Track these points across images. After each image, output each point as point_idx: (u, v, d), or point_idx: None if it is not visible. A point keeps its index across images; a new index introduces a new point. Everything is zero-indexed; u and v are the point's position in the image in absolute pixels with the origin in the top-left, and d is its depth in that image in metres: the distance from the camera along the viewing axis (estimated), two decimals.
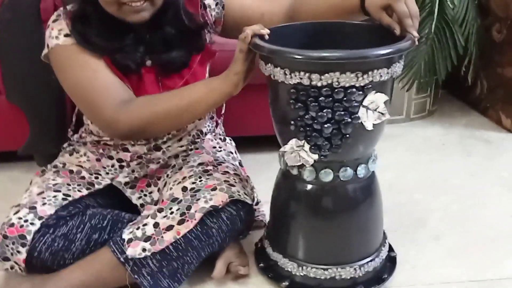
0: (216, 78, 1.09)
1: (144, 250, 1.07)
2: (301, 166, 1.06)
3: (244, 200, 1.15)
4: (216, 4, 1.27)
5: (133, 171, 1.27)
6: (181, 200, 1.13)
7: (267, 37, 1.02)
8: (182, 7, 1.19)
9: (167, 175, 1.27)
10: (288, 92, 0.98)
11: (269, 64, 0.99)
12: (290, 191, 1.14)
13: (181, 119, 1.12)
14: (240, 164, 1.38)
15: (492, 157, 1.81)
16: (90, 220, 1.14)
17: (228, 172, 1.22)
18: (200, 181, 1.17)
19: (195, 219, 1.09)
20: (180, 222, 1.09)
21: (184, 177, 1.20)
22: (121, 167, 1.27)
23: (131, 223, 1.14)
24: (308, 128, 1.00)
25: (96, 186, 1.23)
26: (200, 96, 1.08)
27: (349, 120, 0.97)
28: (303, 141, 1.02)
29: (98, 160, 1.28)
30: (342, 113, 0.97)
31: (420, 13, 1.88)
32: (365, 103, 0.96)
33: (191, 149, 1.32)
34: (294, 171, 1.08)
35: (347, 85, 0.93)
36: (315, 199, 1.11)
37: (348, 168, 1.06)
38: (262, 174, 1.41)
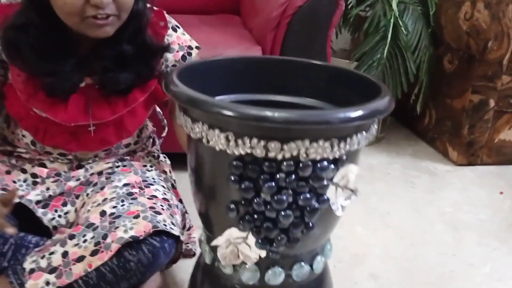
0: None
1: (47, 283, 0.94)
2: (239, 264, 0.76)
3: (169, 231, 1.03)
4: (173, 66, 1.12)
5: (47, 188, 1.12)
6: (97, 227, 1.00)
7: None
8: (144, 26, 1.04)
9: (87, 194, 1.13)
10: (230, 165, 0.68)
11: (199, 123, 0.68)
12: None
13: None
14: (173, 185, 1.27)
15: (436, 191, 1.77)
16: None
17: (155, 197, 1.10)
18: (122, 205, 1.05)
19: (110, 251, 0.96)
20: (94, 253, 0.96)
21: (105, 199, 1.07)
22: (35, 183, 1.12)
23: (36, 249, 1.00)
24: (256, 216, 0.71)
25: None
26: None
27: (316, 205, 0.70)
28: (247, 232, 0.72)
29: (8, 172, 1.12)
30: (308, 195, 0.69)
31: (373, 37, 1.88)
32: (335, 179, 0.70)
33: (117, 166, 1.19)
34: (228, 270, 0.78)
35: (318, 157, 0.66)
36: None
37: (303, 263, 0.78)
38: None
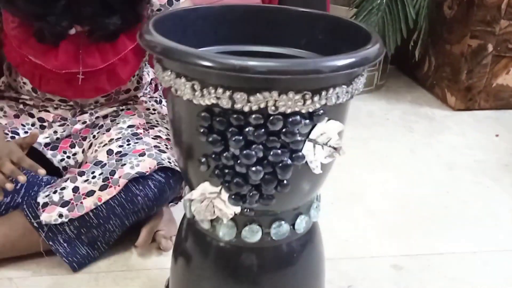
0: None
1: (60, 215, 1.00)
2: (216, 219, 0.72)
3: (174, 168, 1.08)
4: (158, 10, 1.14)
5: (55, 132, 1.17)
6: (105, 164, 1.05)
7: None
8: None
9: (93, 136, 1.18)
10: (198, 117, 0.64)
11: (168, 71, 0.64)
12: (198, 247, 0.79)
13: None
14: None
15: (433, 134, 1.81)
16: None
17: (159, 137, 1.15)
18: (128, 144, 1.10)
19: (118, 186, 1.02)
20: (103, 188, 1.02)
21: (111, 139, 1.12)
22: (42, 127, 1.17)
23: (48, 186, 1.05)
24: (227, 171, 0.66)
25: None
26: None
27: (289, 161, 0.65)
28: (220, 187, 0.68)
29: (16, 116, 1.17)
30: (279, 151, 0.64)
31: None
32: (312, 136, 0.65)
33: (122, 109, 1.23)
34: (205, 225, 0.74)
35: (288, 110, 0.60)
36: (233, 263, 0.77)
37: (283, 222, 0.73)
38: None
